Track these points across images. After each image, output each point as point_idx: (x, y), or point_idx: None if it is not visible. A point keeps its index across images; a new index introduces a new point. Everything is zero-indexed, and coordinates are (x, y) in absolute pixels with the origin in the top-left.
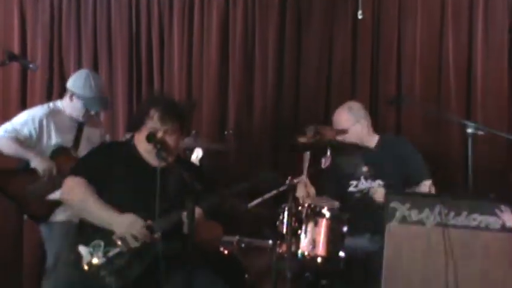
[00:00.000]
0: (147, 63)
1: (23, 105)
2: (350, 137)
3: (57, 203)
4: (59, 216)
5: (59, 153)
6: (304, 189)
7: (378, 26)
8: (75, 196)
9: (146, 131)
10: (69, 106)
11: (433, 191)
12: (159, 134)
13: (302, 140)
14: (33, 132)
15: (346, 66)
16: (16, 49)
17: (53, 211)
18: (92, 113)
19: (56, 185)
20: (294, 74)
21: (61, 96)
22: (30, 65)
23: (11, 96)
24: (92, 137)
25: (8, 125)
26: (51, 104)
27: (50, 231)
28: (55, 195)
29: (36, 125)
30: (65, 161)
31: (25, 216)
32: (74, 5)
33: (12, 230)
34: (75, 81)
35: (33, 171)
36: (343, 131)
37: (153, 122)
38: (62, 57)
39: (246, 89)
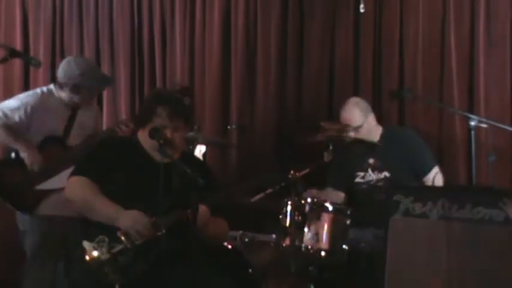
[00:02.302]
0: (149, 59)
1: None
2: (363, 132)
3: (45, 195)
4: (43, 210)
5: (49, 143)
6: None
7: (380, 19)
8: (78, 195)
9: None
10: (61, 94)
11: (440, 177)
12: (167, 132)
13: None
14: (24, 119)
15: (349, 59)
16: (18, 46)
17: (39, 202)
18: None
19: (46, 175)
20: (296, 68)
21: None
22: (33, 61)
23: (13, 95)
24: (85, 123)
25: None
26: (44, 89)
27: (31, 223)
28: (45, 186)
29: (28, 111)
30: (55, 151)
31: None
32: (76, 1)
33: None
34: (61, 70)
35: (22, 161)
36: (357, 127)
37: (161, 120)
38: (64, 54)
39: (249, 83)
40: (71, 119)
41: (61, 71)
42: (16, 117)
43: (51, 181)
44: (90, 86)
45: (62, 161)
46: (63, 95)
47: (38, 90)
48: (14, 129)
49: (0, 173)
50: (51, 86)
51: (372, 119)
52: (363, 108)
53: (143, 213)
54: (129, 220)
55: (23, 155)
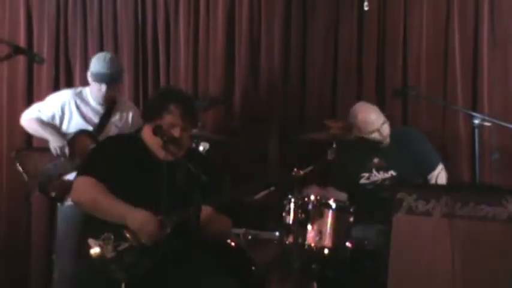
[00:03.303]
0: (153, 55)
1: (29, 102)
2: (387, 129)
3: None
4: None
5: (79, 135)
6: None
7: (384, 17)
8: (86, 197)
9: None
10: (91, 90)
11: (443, 174)
12: (176, 130)
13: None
14: (56, 114)
15: (352, 57)
16: (22, 43)
17: (69, 192)
18: (103, 88)
19: (74, 165)
20: (300, 65)
21: None
22: (36, 58)
23: (17, 93)
24: (119, 123)
25: (34, 107)
26: (78, 89)
27: (61, 214)
28: (72, 176)
29: (59, 107)
30: (86, 142)
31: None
32: None
33: (20, 214)
34: (92, 62)
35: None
36: (377, 129)
37: (172, 118)
38: (68, 51)
39: (252, 80)
40: (104, 117)
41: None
42: (49, 112)
43: None
44: (93, 77)
45: None
46: (89, 90)
47: (73, 88)
48: (46, 123)
49: (30, 156)
50: (87, 87)
51: (388, 123)
52: (379, 112)
53: (151, 214)
54: (138, 222)
55: (50, 142)
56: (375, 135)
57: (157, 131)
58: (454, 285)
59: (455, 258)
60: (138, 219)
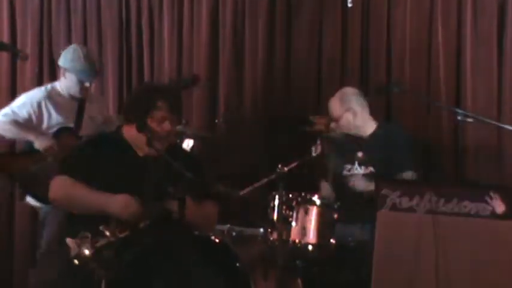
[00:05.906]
0: (137, 52)
1: (13, 98)
2: (342, 125)
3: None
4: None
5: (62, 133)
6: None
7: (368, 14)
8: (60, 193)
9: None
10: (64, 84)
11: None
12: (166, 124)
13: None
14: (33, 115)
15: (336, 54)
16: (6, 39)
17: None
18: (87, 84)
19: None
20: (284, 63)
21: None
22: (20, 54)
23: (1, 90)
24: (93, 115)
25: (7, 109)
26: (48, 86)
27: (48, 215)
28: None
29: (35, 107)
30: (69, 140)
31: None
32: None
33: (3, 217)
34: (65, 57)
35: (38, 152)
36: (336, 119)
37: (162, 113)
38: (52, 46)
39: (236, 77)
40: (80, 112)
41: (61, 56)
42: (24, 113)
43: None
44: (75, 74)
45: None
46: (63, 84)
47: (43, 86)
48: (24, 124)
49: (16, 163)
50: (56, 83)
51: (354, 114)
52: (346, 101)
53: (132, 197)
54: (120, 204)
55: (36, 144)
56: (333, 123)
57: (142, 128)
58: (438, 282)
59: (439, 255)
60: (120, 200)
